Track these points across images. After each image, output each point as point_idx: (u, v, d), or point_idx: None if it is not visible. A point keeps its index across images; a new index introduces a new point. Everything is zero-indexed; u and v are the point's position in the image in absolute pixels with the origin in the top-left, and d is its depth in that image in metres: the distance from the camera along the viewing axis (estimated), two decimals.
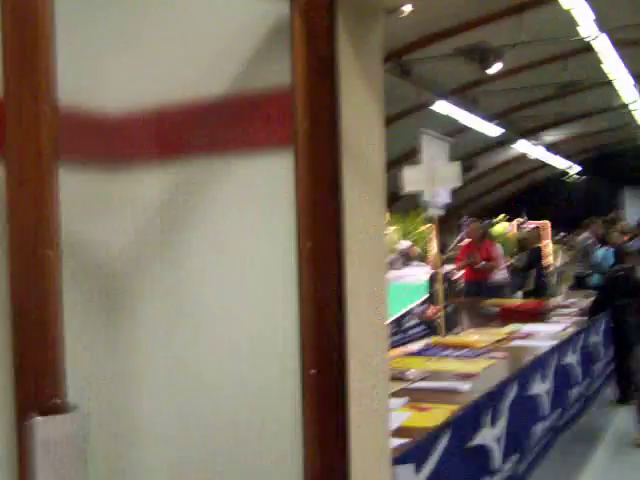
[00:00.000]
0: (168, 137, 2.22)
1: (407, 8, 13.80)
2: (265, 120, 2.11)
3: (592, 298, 8.11)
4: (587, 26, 16.06)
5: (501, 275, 10.22)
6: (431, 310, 10.39)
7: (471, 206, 31.95)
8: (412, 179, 9.24)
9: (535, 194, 34.23)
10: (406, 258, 16.40)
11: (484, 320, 9.07)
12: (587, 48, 19.91)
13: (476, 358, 4.64)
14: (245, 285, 2.14)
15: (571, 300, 7.92)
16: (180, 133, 2.21)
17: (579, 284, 10.36)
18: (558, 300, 8.13)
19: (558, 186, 34.67)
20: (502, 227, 17.79)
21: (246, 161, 2.15)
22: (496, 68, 18.02)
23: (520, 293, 9.78)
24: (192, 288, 2.19)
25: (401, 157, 25.83)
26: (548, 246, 14.76)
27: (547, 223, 16.80)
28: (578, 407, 5.91)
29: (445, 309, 9.70)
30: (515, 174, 34.43)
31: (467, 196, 32.88)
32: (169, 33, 2.24)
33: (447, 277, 10.81)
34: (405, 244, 16.92)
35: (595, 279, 10.24)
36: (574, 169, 34.07)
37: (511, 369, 4.40)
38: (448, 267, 11.07)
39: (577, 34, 16.82)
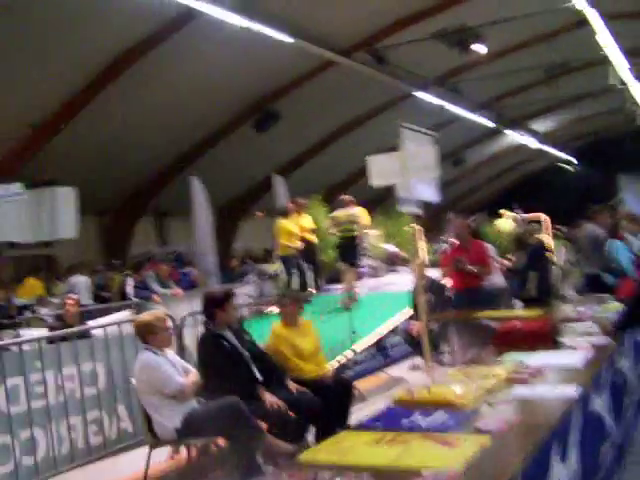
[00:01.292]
0: None
1: None
2: None
3: (610, 304, 6.45)
4: None
5: (496, 280, 8.52)
6: (415, 326, 8.71)
7: (462, 204, 30.28)
8: (380, 170, 7.57)
9: (527, 187, 32.61)
10: (389, 263, 14.68)
11: (478, 339, 7.40)
12: (575, 24, 18.33)
13: (457, 429, 2.96)
14: None
15: (583, 308, 6.24)
16: None
17: (590, 285, 8.74)
18: (568, 310, 6.45)
19: (551, 177, 33.10)
20: (507, 223, 15.64)
21: None
22: (477, 50, 16.41)
23: (519, 302, 8.05)
24: None
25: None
26: (549, 241, 13.08)
27: (543, 216, 14.93)
28: (609, 466, 4.24)
29: (430, 327, 8.03)
30: (506, 167, 32.86)
31: (458, 193, 31.25)
32: None
33: (436, 286, 9.07)
34: (389, 248, 15.23)
35: (610, 279, 8.61)
36: (567, 158, 32.54)
37: (514, 452, 2.68)
38: (435, 273, 9.39)
39: (563, 7, 15.14)
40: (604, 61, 20.19)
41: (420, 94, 19.75)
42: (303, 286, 11.21)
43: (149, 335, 4.78)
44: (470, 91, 21.50)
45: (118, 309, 9.82)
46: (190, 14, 12.46)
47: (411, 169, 7.48)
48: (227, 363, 4.86)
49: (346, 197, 11.55)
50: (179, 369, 4.84)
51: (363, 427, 3.18)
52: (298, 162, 21.66)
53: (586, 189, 29.74)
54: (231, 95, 16.96)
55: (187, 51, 14.02)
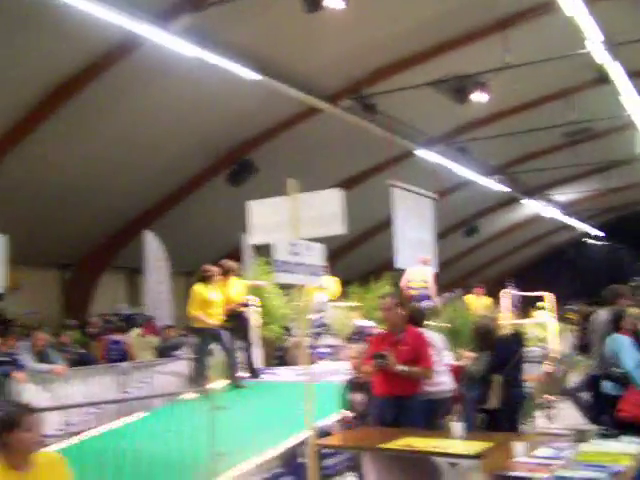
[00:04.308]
0: None
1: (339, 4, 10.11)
2: None
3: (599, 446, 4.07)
4: (595, 44, 11.87)
5: (442, 386, 6.11)
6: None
7: (471, 279, 27.78)
8: (261, 223, 5.36)
9: (549, 262, 30.20)
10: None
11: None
12: (595, 80, 16.16)
13: None
14: None
15: (549, 452, 3.78)
16: None
17: (593, 391, 6.56)
18: (521, 451, 4.00)
19: (575, 252, 30.70)
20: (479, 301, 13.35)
21: None
22: (478, 100, 14.22)
23: (467, 427, 5.57)
24: None
25: (382, 223, 21.11)
26: (549, 327, 10.69)
27: (548, 295, 12.41)
28: None
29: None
30: (526, 239, 30.29)
31: (470, 267, 28.80)
32: None
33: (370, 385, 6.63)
34: (362, 323, 12.72)
35: (609, 386, 6.35)
36: (593, 231, 30.01)
37: None
38: None
39: (578, 56, 12.92)
40: (630, 126, 17.92)
41: (421, 152, 17.55)
42: (231, 370, 8.89)
43: None
44: (480, 152, 19.24)
45: None
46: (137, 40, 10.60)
47: (306, 221, 5.34)
48: None
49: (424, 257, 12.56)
50: None
51: None
52: None
53: (615, 267, 27.54)
54: (200, 141, 15.05)
55: (139, 85, 12.19)
